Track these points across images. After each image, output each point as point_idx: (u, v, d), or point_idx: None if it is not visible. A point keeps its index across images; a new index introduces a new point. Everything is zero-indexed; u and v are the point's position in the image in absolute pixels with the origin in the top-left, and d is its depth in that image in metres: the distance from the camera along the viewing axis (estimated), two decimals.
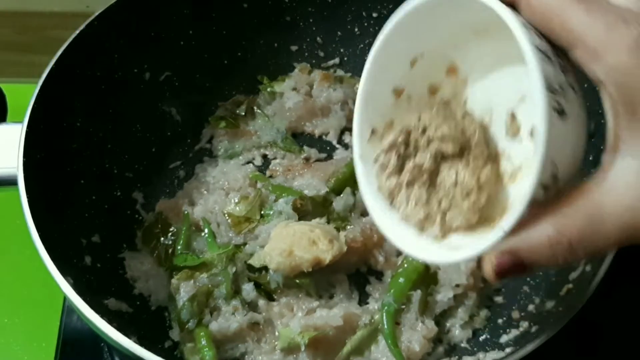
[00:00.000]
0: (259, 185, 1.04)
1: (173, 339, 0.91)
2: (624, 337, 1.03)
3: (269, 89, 1.17)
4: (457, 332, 0.94)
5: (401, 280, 0.93)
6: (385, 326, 0.89)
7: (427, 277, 0.94)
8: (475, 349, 0.92)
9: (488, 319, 0.96)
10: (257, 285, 0.93)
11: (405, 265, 0.95)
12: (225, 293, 0.92)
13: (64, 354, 0.99)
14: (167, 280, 0.96)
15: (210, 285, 0.93)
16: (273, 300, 0.93)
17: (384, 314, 0.90)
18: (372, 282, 0.97)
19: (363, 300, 0.96)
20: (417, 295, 0.92)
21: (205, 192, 1.06)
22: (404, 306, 0.91)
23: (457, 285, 0.93)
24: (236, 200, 1.02)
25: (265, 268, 0.93)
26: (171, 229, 1.00)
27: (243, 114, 1.15)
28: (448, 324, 0.94)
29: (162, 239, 1.00)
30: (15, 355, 1.00)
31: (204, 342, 0.88)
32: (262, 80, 1.18)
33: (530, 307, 0.92)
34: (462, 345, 0.93)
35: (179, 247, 0.98)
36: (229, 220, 1.00)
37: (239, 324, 0.89)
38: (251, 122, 1.15)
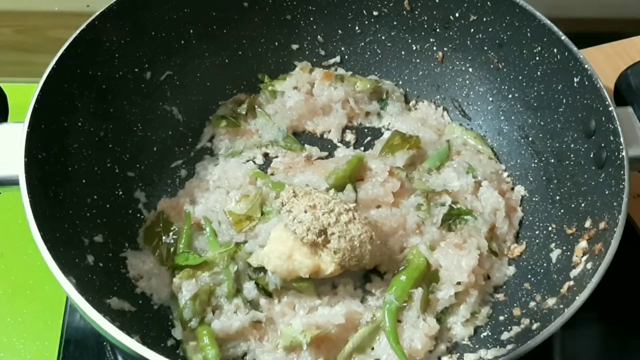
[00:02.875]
0: (259, 183, 1.05)
1: (175, 337, 0.91)
2: (627, 338, 1.03)
3: (270, 88, 1.17)
4: (459, 329, 0.94)
5: (403, 278, 0.93)
6: (387, 324, 0.90)
7: (428, 275, 0.95)
8: (476, 346, 0.92)
9: (489, 317, 0.96)
10: (258, 285, 0.94)
11: (407, 264, 0.95)
12: (227, 292, 0.92)
13: (67, 353, 1.00)
14: (169, 279, 0.96)
15: (212, 284, 0.93)
16: (274, 298, 0.94)
17: (386, 311, 0.90)
18: (374, 280, 0.97)
19: (365, 298, 0.96)
20: (418, 293, 0.92)
21: (206, 190, 1.06)
22: (405, 304, 0.92)
23: (459, 283, 0.94)
24: (237, 199, 1.02)
25: (264, 269, 0.93)
26: (173, 228, 1.00)
27: (244, 112, 1.15)
28: (449, 322, 0.94)
29: (163, 237, 1.00)
30: (18, 354, 1.01)
31: (206, 340, 0.88)
32: (263, 79, 1.18)
33: (532, 305, 0.92)
34: (464, 342, 0.93)
35: (180, 246, 0.98)
36: (230, 219, 1.00)
37: (241, 323, 0.90)
38: (252, 121, 1.15)
